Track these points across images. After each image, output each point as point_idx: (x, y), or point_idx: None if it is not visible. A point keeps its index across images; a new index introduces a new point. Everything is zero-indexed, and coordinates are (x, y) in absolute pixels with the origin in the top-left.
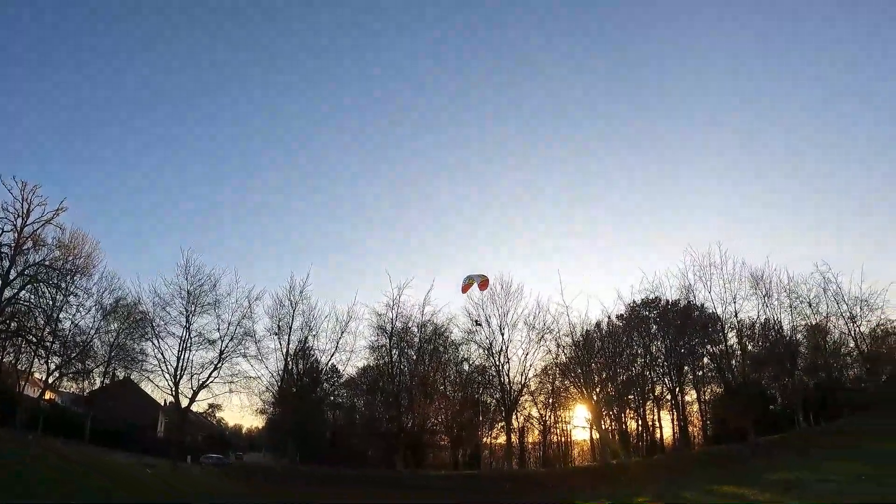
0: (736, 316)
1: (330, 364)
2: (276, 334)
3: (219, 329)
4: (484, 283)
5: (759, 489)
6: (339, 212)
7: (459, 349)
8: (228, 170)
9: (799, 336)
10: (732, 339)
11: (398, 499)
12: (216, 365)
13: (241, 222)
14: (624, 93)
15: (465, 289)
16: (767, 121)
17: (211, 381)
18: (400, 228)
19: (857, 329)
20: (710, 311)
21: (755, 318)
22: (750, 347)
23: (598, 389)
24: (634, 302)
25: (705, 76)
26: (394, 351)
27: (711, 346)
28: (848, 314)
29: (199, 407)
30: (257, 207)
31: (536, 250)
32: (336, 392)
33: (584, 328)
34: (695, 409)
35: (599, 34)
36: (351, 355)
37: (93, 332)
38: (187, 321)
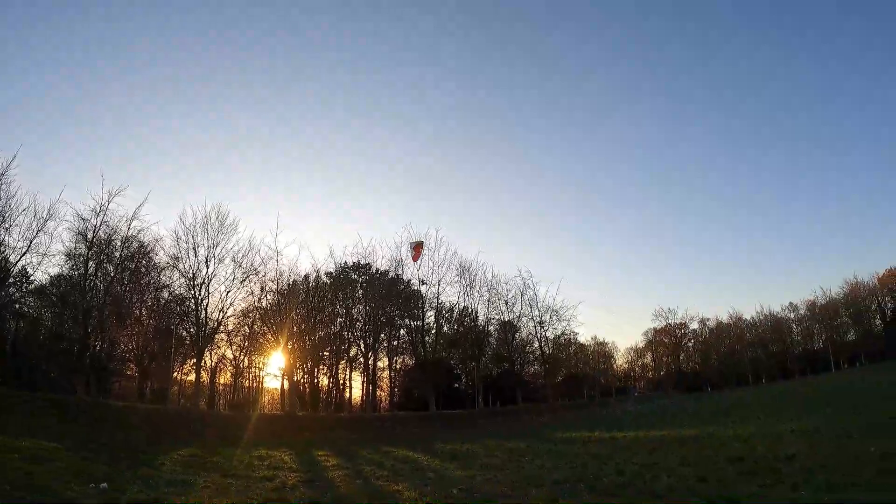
0: (438, 298)
1: (20, 265)
2: None
3: None
4: (417, 249)
5: (430, 456)
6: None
7: (162, 274)
8: None
9: (491, 328)
10: (431, 317)
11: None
12: None
13: None
14: None
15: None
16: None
17: None
18: (123, 128)
19: (544, 333)
20: (415, 287)
21: (455, 302)
22: (445, 328)
23: (295, 341)
24: (346, 263)
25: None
26: (91, 263)
27: (410, 321)
28: (538, 319)
29: None
30: None
31: (261, 187)
32: (23, 299)
33: (293, 278)
34: (385, 376)
35: None
36: (44, 259)
37: None
38: None
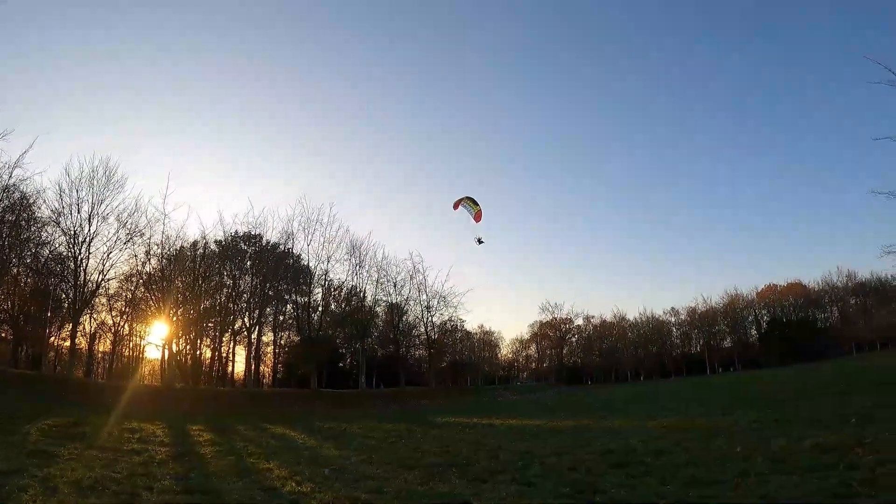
0: (327, 275)
1: None
2: None
3: None
4: (478, 215)
5: (307, 434)
6: None
7: (43, 230)
8: None
9: (379, 309)
10: (318, 294)
11: None
12: None
13: None
14: None
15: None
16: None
17: None
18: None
19: (431, 318)
20: (305, 263)
21: (344, 281)
22: (333, 307)
23: (179, 309)
24: (236, 232)
25: None
26: None
27: (298, 296)
28: (426, 303)
29: None
30: None
31: (153, 144)
32: None
33: (180, 243)
34: (270, 351)
35: None
36: None
37: None
38: None
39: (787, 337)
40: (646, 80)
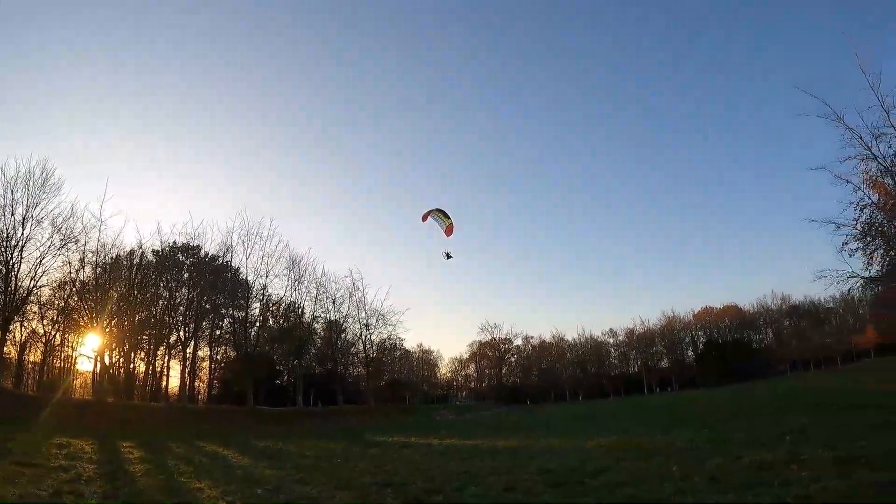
0: (265, 290)
1: None
2: None
3: None
4: (449, 228)
5: (242, 453)
6: None
7: None
8: None
9: (318, 326)
10: (256, 309)
11: None
12: None
13: None
14: None
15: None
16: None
17: None
18: None
19: (369, 336)
20: (244, 277)
21: (282, 296)
22: (271, 322)
23: (113, 321)
24: (174, 243)
25: None
26: None
27: (235, 311)
28: (365, 321)
29: None
30: None
31: (91, 148)
32: None
33: (116, 251)
34: (205, 366)
35: None
36: None
37: None
38: None
39: (723, 358)
40: (566, 108)
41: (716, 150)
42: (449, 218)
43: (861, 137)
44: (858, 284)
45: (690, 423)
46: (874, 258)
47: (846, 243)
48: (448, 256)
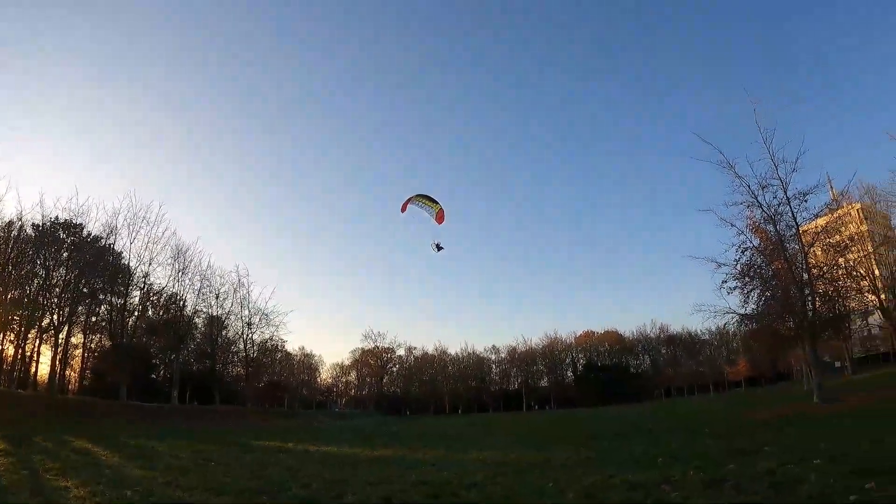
0: (147, 277)
1: None
2: None
3: None
4: (439, 215)
5: (112, 450)
6: None
7: None
8: None
9: (199, 320)
10: (136, 297)
11: None
12: None
13: None
14: None
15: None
16: None
17: None
18: None
19: (251, 335)
20: (126, 262)
21: (164, 286)
22: (150, 313)
23: None
24: (56, 218)
25: None
26: None
27: (114, 297)
28: (248, 319)
29: None
30: None
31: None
32: None
33: None
34: (78, 354)
35: None
36: None
37: None
38: None
39: (602, 380)
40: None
41: (611, 191)
42: (437, 203)
43: (749, 186)
44: (734, 320)
45: (567, 441)
46: (751, 297)
47: (725, 281)
48: (438, 248)
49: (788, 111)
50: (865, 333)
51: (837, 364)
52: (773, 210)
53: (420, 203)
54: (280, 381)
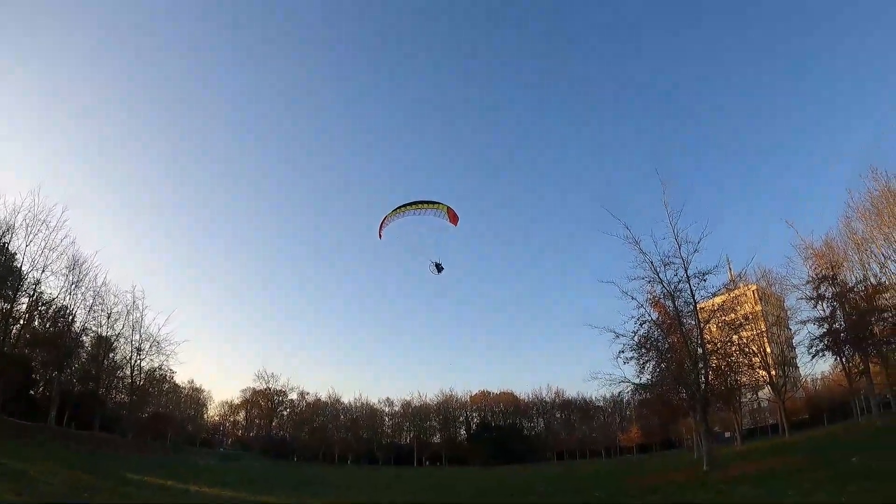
0: (38, 284)
1: None
2: None
3: None
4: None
5: None
6: None
7: None
8: None
9: (86, 339)
10: (24, 304)
11: None
12: None
13: None
14: None
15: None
16: None
17: None
18: None
19: (140, 361)
20: (18, 265)
21: (55, 297)
22: (37, 323)
23: None
24: None
25: None
26: None
27: (2, 303)
28: (138, 344)
29: None
30: None
31: None
32: None
33: None
34: None
35: None
36: None
37: None
38: None
39: (495, 439)
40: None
41: (518, 262)
42: (440, 203)
43: (652, 262)
44: (629, 388)
45: (454, 495)
46: (646, 367)
47: (622, 351)
48: (439, 269)
49: (694, 193)
50: (755, 406)
51: (727, 434)
52: (673, 286)
53: (416, 210)
54: (165, 413)
